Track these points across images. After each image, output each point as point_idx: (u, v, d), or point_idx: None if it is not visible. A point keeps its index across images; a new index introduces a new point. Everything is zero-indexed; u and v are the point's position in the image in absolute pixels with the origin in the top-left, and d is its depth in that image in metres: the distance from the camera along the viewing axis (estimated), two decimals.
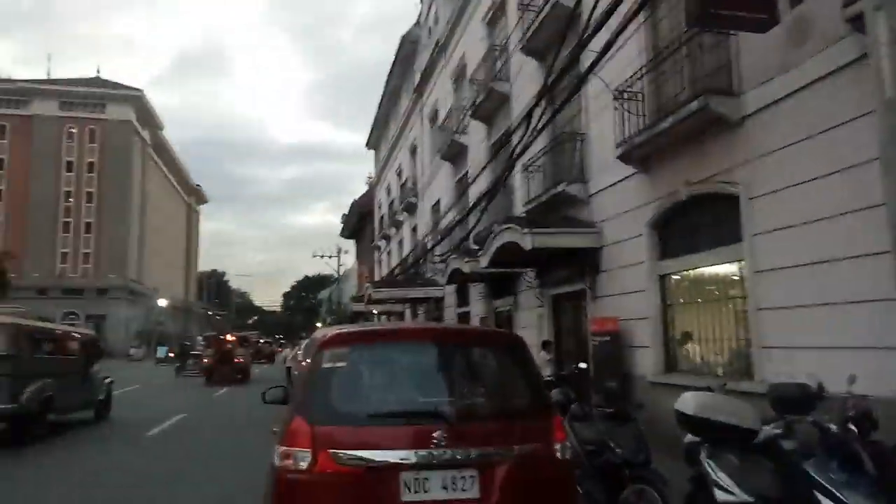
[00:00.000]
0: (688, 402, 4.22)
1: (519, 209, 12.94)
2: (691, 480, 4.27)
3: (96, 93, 71.82)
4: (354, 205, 45.06)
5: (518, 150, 9.29)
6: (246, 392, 19.80)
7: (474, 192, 14.86)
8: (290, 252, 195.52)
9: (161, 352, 47.04)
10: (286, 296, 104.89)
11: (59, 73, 73.25)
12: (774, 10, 5.37)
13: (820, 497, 3.26)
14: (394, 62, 28.06)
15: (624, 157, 8.47)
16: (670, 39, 7.92)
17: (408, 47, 26.11)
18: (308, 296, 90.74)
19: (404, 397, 3.51)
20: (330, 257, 52.20)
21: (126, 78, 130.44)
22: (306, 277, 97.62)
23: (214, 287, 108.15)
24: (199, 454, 9.04)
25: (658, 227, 8.55)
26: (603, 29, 6.09)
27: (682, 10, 7.22)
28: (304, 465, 3.09)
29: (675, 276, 8.45)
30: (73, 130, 71.03)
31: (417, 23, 25.70)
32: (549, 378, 6.99)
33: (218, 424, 12.50)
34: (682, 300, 8.37)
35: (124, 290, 69.62)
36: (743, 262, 6.85)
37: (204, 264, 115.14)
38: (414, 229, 26.08)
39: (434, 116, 22.35)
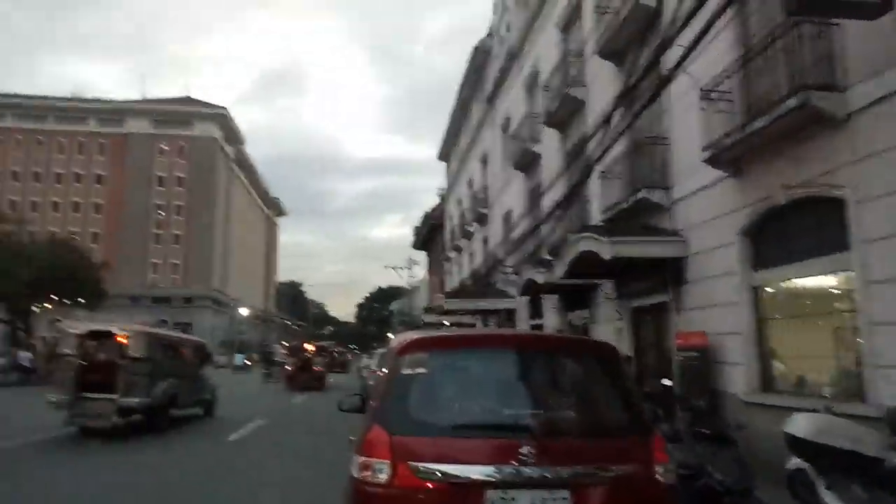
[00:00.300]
0: (799, 425, 3.79)
1: (596, 218, 12.49)
2: None
3: (185, 111, 76.26)
4: (426, 216, 45.39)
5: (596, 156, 8.95)
6: (322, 399, 20.21)
7: (548, 201, 14.52)
8: (364, 264, 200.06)
9: (238, 359, 48.86)
10: (360, 307, 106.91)
11: (152, 93, 78.28)
12: None
13: None
14: (466, 73, 28.13)
15: (712, 161, 7.95)
16: (763, 32, 7.39)
17: (480, 58, 26.10)
18: (381, 307, 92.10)
19: (488, 408, 3.29)
20: (402, 269, 52.87)
21: (212, 97, 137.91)
22: (379, 289, 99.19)
23: (292, 297, 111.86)
24: (277, 460, 9.17)
25: (751, 234, 7.96)
26: (688, 26, 5.71)
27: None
28: (383, 477, 2.95)
29: (769, 288, 7.83)
30: (164, 147, 75.57)
31: (489, 33, 25.66)
32: None
33: (296, 431, 12.74)
34: (778, 313, 7.74)
35: (209, 300, 73.08)
36: (851, 273, 6.23)
37: (282, 275, 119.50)
38: (485, 240, 25.88)
39: (506, 126, 22.16)
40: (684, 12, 5.77)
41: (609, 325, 12.39)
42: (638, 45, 10.69)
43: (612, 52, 11.55)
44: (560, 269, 11.77)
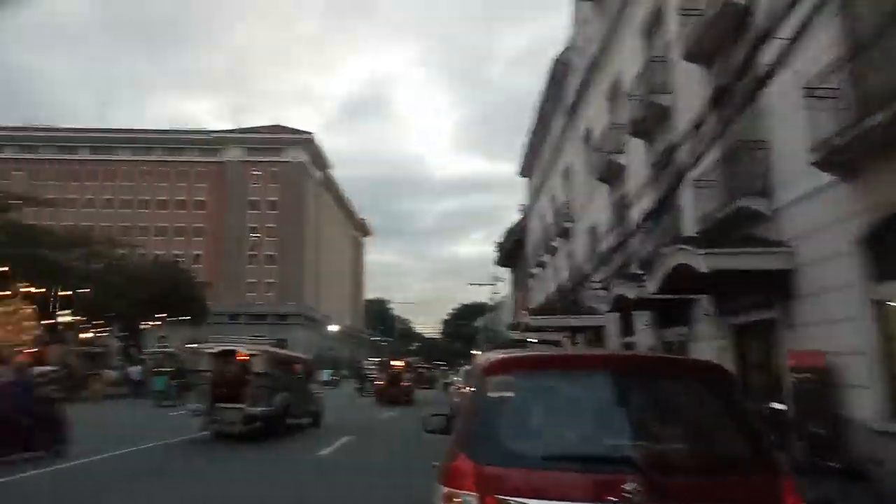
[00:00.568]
0: None
1: (689, 229, 11.81)
2: None
3: (275, 139, 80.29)
4: (509, 232, 45.11)
5: (688, 164, 8.43)
6: (408, 415, 20.40)
7: (635, 213, 13.92)
8: (449, 281, 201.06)
9: (325, 375, 50.35)
10: (445, 323, 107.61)
11: (245, 123, 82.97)
12: None
13: None
14: (545, 87, 27.81)
15: (821, 164, 7.25)
16: (875, 20, 6.70)
17: (559, 71, 25.73)
18: (465, 323, 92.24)
19: (585, 437, 2.97)
20: (486, 285, 52.72)
21: (300, 124, 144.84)
22: (463, 305, 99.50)
23: (379, 315, 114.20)
24: (362, 479, 9.25)
25: (869, 243, 7.18)
26: (787, 18, 5.21)
27: None
28: None
29: (895, 303, 7.02)
30: (257, 173, 79.75)
31: (568, 46, 25.26)
32: None
33: (382, 449, 12.85)
34: None
35: (301, 317, 75.87)
36: None
37: (369, 293, 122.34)
38: (570, 255, 25.26)
39: (588, 138, 21.63)
40: (781, 4, 5.29)
41: (709, 344, 11.61)
42: (728, 46, 10.07)
43: (700, 54, 10.94)
44: (652, 284, 11.16)
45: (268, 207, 79.17)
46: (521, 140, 37.75)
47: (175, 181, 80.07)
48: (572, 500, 2.60)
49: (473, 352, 59.39)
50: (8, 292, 31.83)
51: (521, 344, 28.85)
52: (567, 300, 23.08)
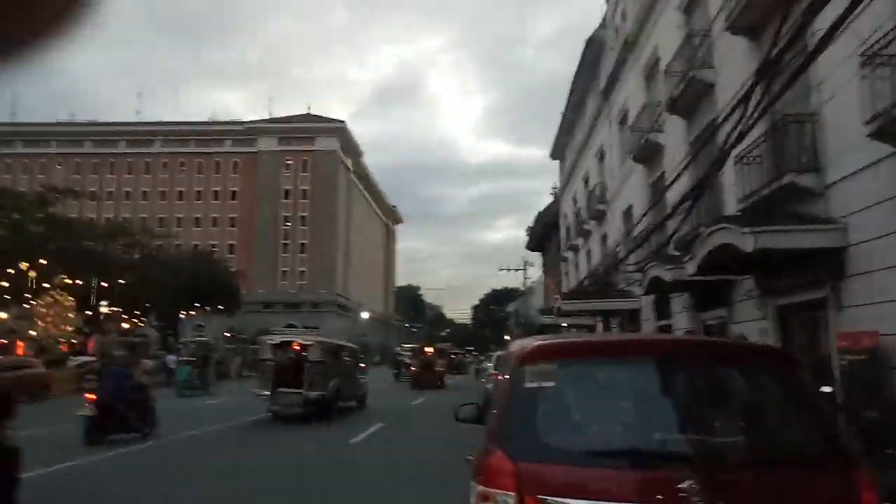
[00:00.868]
0: None
1: (732, 208, 11.46)
2: None
3: (307, 127, 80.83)
4: (540, 216, 44.71)
5: (733, 140, 8.11)
6: (440, 401, 20.40)
7: (673, 194, 13.56)
8: (479, 267, 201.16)
9: None
10: (475, 309, 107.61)
11: (278, 113, 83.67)
12: None
13: None
14: (578, 67, 27.28)
15: (879, 134, 6.89)
16: None
17: (593, 50, 25.20)
18: (496, 309, 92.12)
19: (634, 431, 2.73)
20: (516, 270, 52.44)
21: (332, 113, 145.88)
22: (494, 291, 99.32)
23: (410, 301, 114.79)
24: (391, 471, 8.91)
25: None
26: None
27: None
28: None
29: None
30: (290, 162, 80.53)
31: (602, 24, 24.70)
32: None
33: (413, 437, 12.84)
34: None
35: (333, 304, 76.72)
36: None
37: (400, 280, 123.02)
38: (603, 238, 24.89)
39: (623, 118, 21.17)
40: None
41: (751, 326, 11.30)
42: (776, 16, 9.63)
43: (746, 26, 10.52)
44: (691, 265, 10.88)
45: (300, 196, 79.93)
46: (552, 124, 37.39)
47: (210, 172, 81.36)
48: (621, 501, 2.38)
49: (506, 337, 59.40)
50: (49, 284, 32.85)
51: (554, 329, 28.68)
52: (600, 284, 22.79)
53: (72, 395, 18.76)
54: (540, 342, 3.10)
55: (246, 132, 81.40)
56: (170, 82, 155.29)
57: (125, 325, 41.26)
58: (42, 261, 32.30)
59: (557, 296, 25.75)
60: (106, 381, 11.64)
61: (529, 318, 49.61)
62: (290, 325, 70.68)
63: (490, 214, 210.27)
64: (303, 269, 78.50)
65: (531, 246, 50.64)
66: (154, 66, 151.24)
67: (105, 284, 37.73)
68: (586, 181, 28.59)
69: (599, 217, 24.89)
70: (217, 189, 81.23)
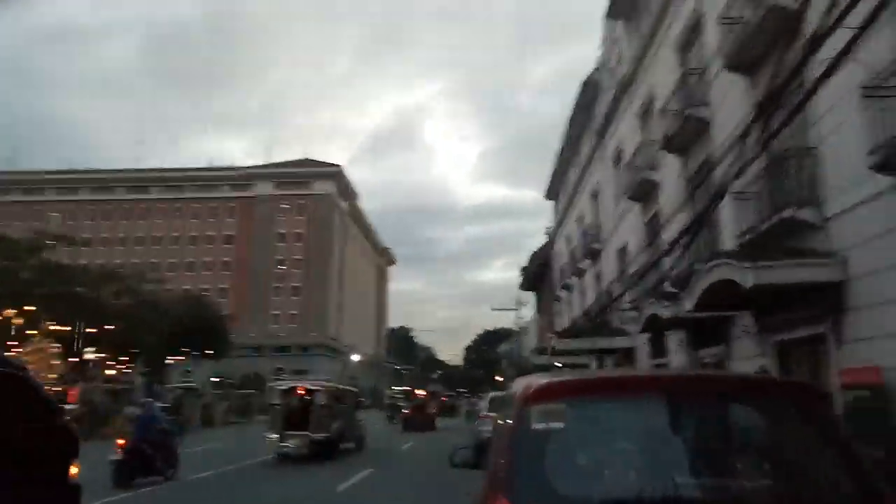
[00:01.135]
0: None
1: (729, 244, 11.47)
2: None
3: (304, 172, 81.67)
4: (534, 256, 44.76)
5: (729, 177, 8.15)
6: (431, 444, 20.36)
7: (669, 231, 13.61)
8: (472, 307, 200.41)
9: None
10: (468, 349, 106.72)
11: (276, 159, 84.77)
12: None
13: None
14: (573, 109, 27.77)
15: (881, 166, 6.92)
16: None
17: (588, 93, 25.70)
18: (489, 349, 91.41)
19: (650, 476, 2.51)
20: (509, 310, 52.18)
21: (330, 158, 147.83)
22: (486, 331, 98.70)
23: (402, 342, 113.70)
24: None
25: None
26: (844, 19, 4.96)
27: None
28: None
29: None
30: (286, 206, 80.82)
31: (598, 67, 25.26)
32: None
33: (403, 485, 12.39)
34: None
35: (324, 347, 75.80)
36: None
37: (393, 321, 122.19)
38: (597, 277, 24.88)
39: (618, 158, 21.44)
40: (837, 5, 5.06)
41: (749, 363, 11.16)
42: (773, 52, 9.83)
43: (743, 63, 10.73)
44: (689, 302, 10.80)
45: (294, 240, 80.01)
46: (547, 166, 37.75)
47: (205, 217, 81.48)
48: None
49: (498, 378, 58.65)
50: (35, 331, 32.29)
51: (548, 369, 28.37)
52: (595, 322, 22.63)
53: None
54: (547, 379, 2.90)
55: (243, 177, 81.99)
56: (170, 130, 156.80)
57: (111, 372, 40.33)
58: (30, 307, 31.85)
59: (551, 335, 25.57)
60: (135, 428, 12.29)
61: (522, 358, 49.12)
62: (279, 370, 69.82)
63: (484, 255, 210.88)
64: (294, 311, 77.87)
65: (525, 286, 50.55)
66: (155, 116, 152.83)
67: (93, 330, 37.11)
68: (580, 220, 28.74)
69: (594, 256, 24.91)
70: (212, 234, 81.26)
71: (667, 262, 14.12)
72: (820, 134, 8.77)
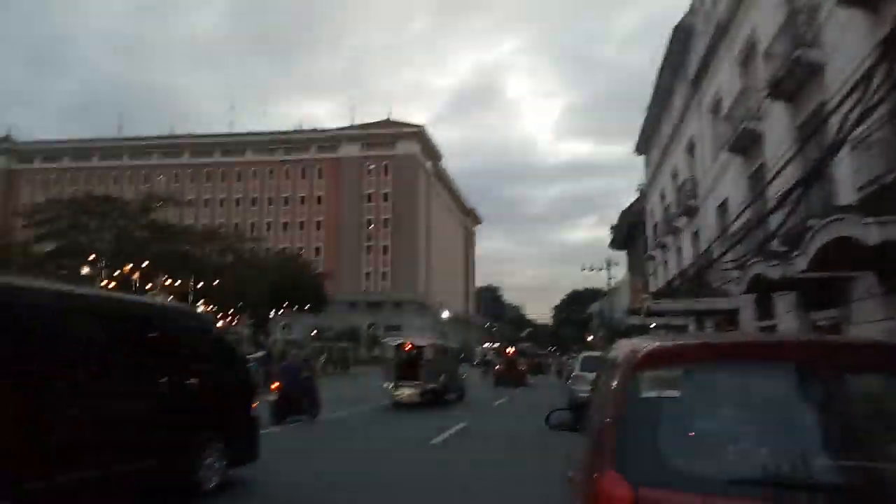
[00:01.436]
0: None
1: (847, 198, 10.52)
2: None
3: (388, 133, 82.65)
4: (624, 214, 43.30)
5: (852, 123, 7.38)
6: (522, 400, 21.08)
7: (776, 185, 12.63)
8: (560, 267, 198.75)
9: None
10: (556, 309, 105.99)
11: (361, 120, 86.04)
12: None
13: None
14: (665, 58, 26.14)
15: None
16: None
17: (680, 39, 24.05)
18: (578, 309, 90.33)
19: (779, 454, 2.26)
20: (599, 270, 50.99)
21: (412, 118, 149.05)
22: (574, 291, 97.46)
23: (490, 301, 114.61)
24: (469, 480, 8.57)
25: None
26: None
27: None
28: None
29: None
30: (371, 167, 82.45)
31: (690, 11, 23.54)
32: None
33: (495, 440, 12.59)
34: None
35: (414, 304, 77.83)
36: None
37: (480, 281, 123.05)
38: (695, 234, 23.69)
39: (716, 108, 20.03)
40: None
41: (873, 327, 10.29)
42: None
43: None
44: (802, 261, 10.03)
45: (381, 200, 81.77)
46: (635, 121, 36.04)
47: (297, 178, 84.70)
48: None
49: (588, 337, 58.02)
50: (150, 285, 35.13)
51: (642, 330, 27.61)
52: (692, 283, 21.67)
53: None
54: (657, 343, 2.69)
55: (329, 139, 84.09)
56: (260, 96, 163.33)
57: (219, 324, 43.48)
58: (144, 263, 34.59)
59: (645, 295, 24.78)
60: (285, 375, 14.58)
61: (614, 318, 48.14)
62: (372, 325, 72.55)
63: (572, 214, 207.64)
64: (385, 269, 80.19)
65: (615, 245, 49.15)
66: (246, 82, 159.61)
67: (201, 285, 39.91)
68: (675, 175, 27.35)
69: (690, 213, 23.71)
70: (303, 194, 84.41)
71: (773, 218, 13.20)
72: None
